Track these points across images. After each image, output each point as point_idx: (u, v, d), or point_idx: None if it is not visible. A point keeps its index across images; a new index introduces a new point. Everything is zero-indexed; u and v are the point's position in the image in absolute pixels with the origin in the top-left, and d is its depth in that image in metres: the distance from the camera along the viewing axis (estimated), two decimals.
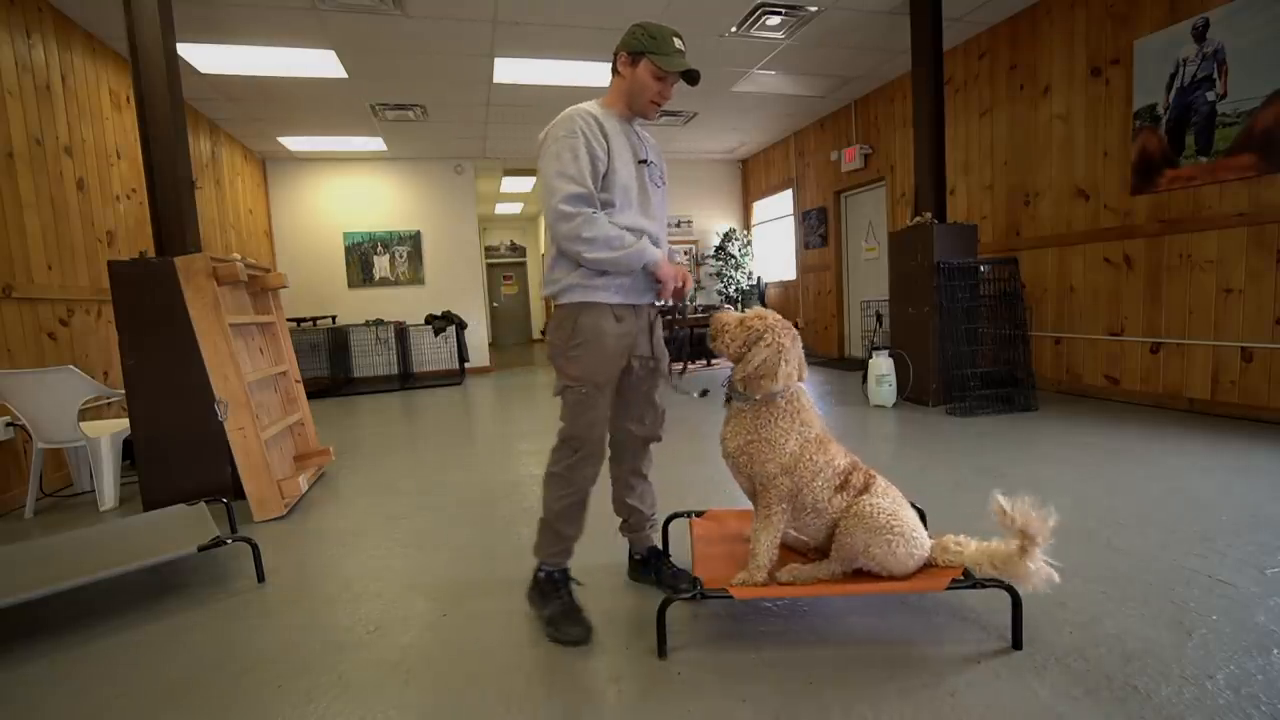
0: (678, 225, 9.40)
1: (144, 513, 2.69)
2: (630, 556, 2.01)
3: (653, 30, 1.66)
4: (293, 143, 7.21)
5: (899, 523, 1.57)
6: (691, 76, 1.67)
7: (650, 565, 1.97)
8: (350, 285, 8.28)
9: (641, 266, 1.65)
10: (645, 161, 1.74)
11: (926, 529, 1.98)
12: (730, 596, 1.59)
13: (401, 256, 8.37)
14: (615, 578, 2.02)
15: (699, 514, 2.15)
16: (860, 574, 1.63)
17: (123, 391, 2.96)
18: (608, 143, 1.65)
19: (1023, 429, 3.70)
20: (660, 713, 1.36)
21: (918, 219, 4.56)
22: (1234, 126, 3.51)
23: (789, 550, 1.82)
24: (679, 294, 1.74)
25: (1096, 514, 2.35)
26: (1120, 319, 4.24)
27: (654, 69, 1.65)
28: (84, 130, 4.09)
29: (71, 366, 2.99)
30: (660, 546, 2.04)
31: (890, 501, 1.61)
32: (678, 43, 1.67)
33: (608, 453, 1.83)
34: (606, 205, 1.65)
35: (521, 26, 4.60)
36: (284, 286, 3.65)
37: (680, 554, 2.13)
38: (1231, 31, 3.49)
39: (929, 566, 1.64)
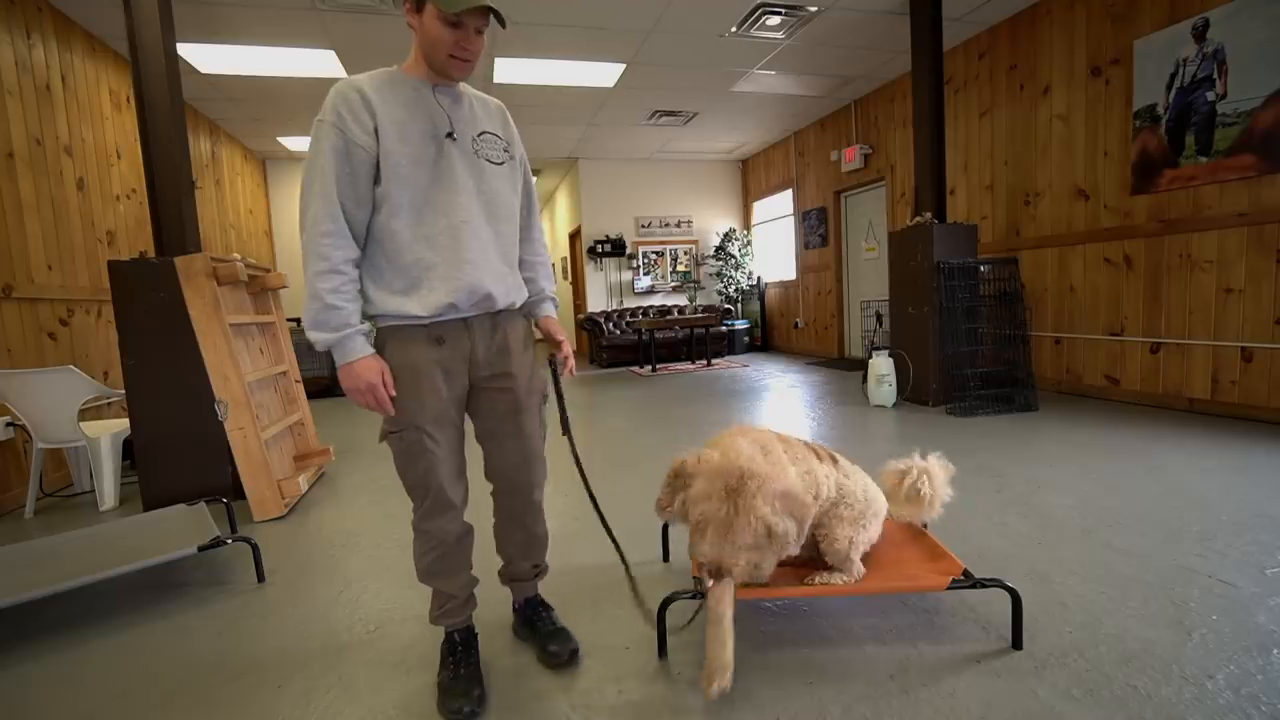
0: (678, 225, 9.40)
1: (144, 513, 2.69)
2: (511, 607, 1.74)
3: None
4: (293, 143, 7.21)
5: (870, 504, 1.64)
6: (489, 14, 1.30)
7: (525, 618, 1.67)
8: None
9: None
10: (451, 135, 1.36)
11: (926, 528, 1.98)
12: None
13: None
14: (612, 574, 2.03)
15: None
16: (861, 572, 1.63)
17: (123, 391, 2.96)
18: (375, 120, 1.29)
19: (1023, 429, 3.70)
20: (661, 713, 1.36)
21: (918, 219, 4.56)
22: (1234, 126, 3.51)
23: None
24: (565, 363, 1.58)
25: (1096, 514, 2.35)
26: (1120, 319, 4.24)
27: (438, 12, 1.27)
28: (84, 130, 4.09)
29: (71, 366, 2.99)
30: (539, 597, 1.72)
31: (854, 484, 1.66)
32: None
33: (460, 497, 1.50)
34: (380, 204, 1.33)
35: (521, 26, 4.60)
36: (284, 287, 3.65)
37: (680, 554, 2.13)
38: (1231, 31, 3.49)
39: (935, 559, 1.64)
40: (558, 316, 1.67)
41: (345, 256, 1.31)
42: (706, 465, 1.42)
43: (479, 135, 1.42)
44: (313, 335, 1.30)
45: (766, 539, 1.34)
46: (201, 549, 2.09)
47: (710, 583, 1.36)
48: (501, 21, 1.31)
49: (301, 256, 1.30)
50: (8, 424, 3.18)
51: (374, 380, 1.32)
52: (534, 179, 1.61)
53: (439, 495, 1.44)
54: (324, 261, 1.27)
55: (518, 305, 1.50)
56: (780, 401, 5.12)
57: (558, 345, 1.60)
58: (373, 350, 1.35)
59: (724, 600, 1.32)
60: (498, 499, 1.61)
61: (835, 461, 1.67)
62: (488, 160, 1.42)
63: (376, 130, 1.30)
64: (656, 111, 6.86)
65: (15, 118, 3.48)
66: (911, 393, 4.63)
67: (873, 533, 1.65)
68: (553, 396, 1.63)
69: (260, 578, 2.17)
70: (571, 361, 1.58)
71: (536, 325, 1.64)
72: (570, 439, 1.67)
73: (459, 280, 1.35)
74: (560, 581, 1.98)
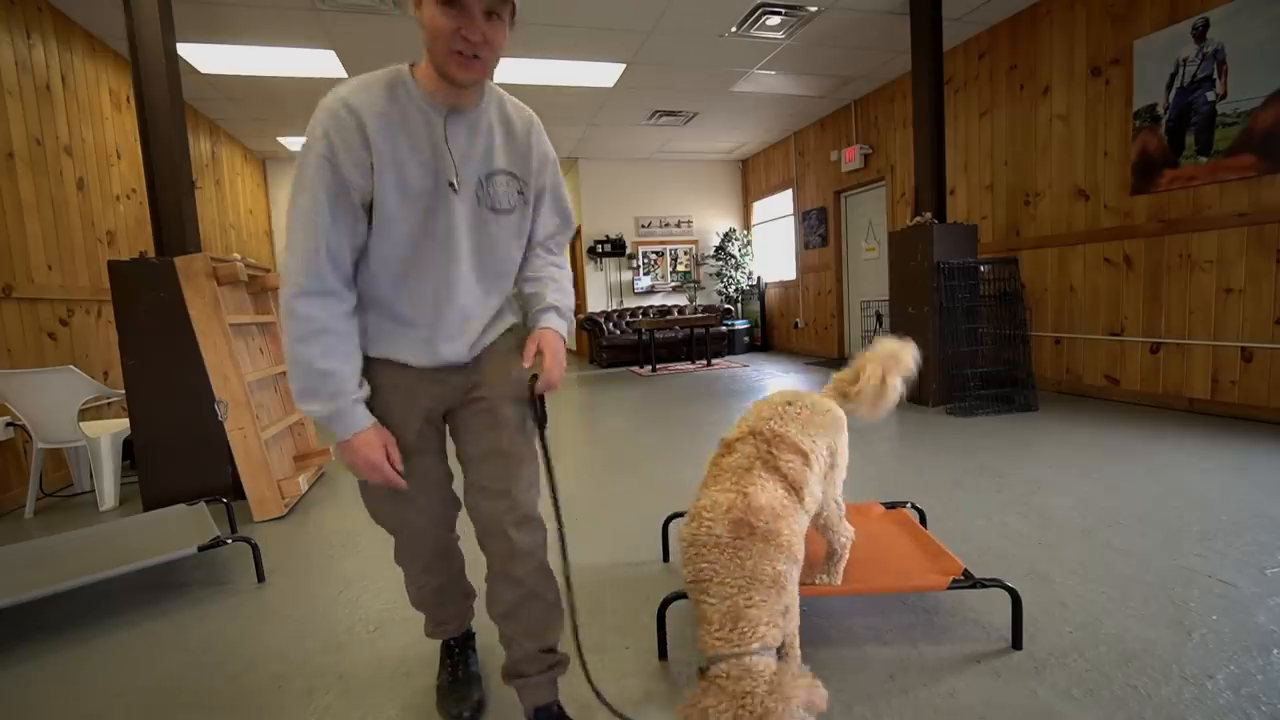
0: (678, 225, 9.40)
1: (144, 513, 2.69)
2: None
3: None
4: (293, 143, 7.21)
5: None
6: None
7: None
8: None
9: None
10: (454, 186, 1.12)
11: (925, 528, 1.99)
12: None
13: None
14: (612, 573, 2.03)
15: None
16: (857, 571, 1.63)
17: (123, 391, 2.96)
18: (371, 156, 1.05)
19: (1023, 429, 3.70)
20: (661, 713, 1.36)
21: (918, 219, 4.56)
22: (1234, 126, 3.51)
23: None
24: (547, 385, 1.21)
25: (1096, 514, 2.35)
26: (1120, 319, 4.24)
27: None
28: (84, 130, 4.09)
29: (71, 366, 2.99)
30: (558, 708, 1.30)
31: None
32: None
33: (439, 544, 1.36)
34: (363, 248, 1.13)
35: (521, 26, 4.59)
36: None
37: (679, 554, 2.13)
38: (1231, 31, 3.49)
39: (935, 559, 1.64)
40: (566, 330, 1.30)
41: (335, 312, 1.10)
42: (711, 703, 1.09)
43: (489, 176, 1.17)
44: (304, 406, 1.10)
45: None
46: (201, 549, 2.09)
47: None
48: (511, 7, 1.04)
49: (278, 312, 1.11)
50: (8, 424, 3.18)
51: (377, 459, 1.13)
52: (568, 203, 1.34)
53: (415, 539, 1.31)
54: (308, 323, 1.07)
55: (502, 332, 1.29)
56: None
57: (541, 363, 1.21)
58: (373, 419, 1.15)
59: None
60: (482, 545, 1.28)
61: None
62: (492, 209, 1.18)
63: (373, 167, 1.06)
64: (656, 111, 6.86)
65: (15, 118, 3.48)
66: (911, 393, 4.63)
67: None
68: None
69: (260, 578, 2.17)
70: (554, 381, 1.22)
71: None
72: (544, 444, 1.28)
73: (435, 351, 1.19)
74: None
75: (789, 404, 1.48)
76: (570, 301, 1.31)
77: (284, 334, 1.09)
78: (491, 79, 1.17)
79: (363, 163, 1.05)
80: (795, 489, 1.31)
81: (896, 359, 1.57)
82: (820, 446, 1.42)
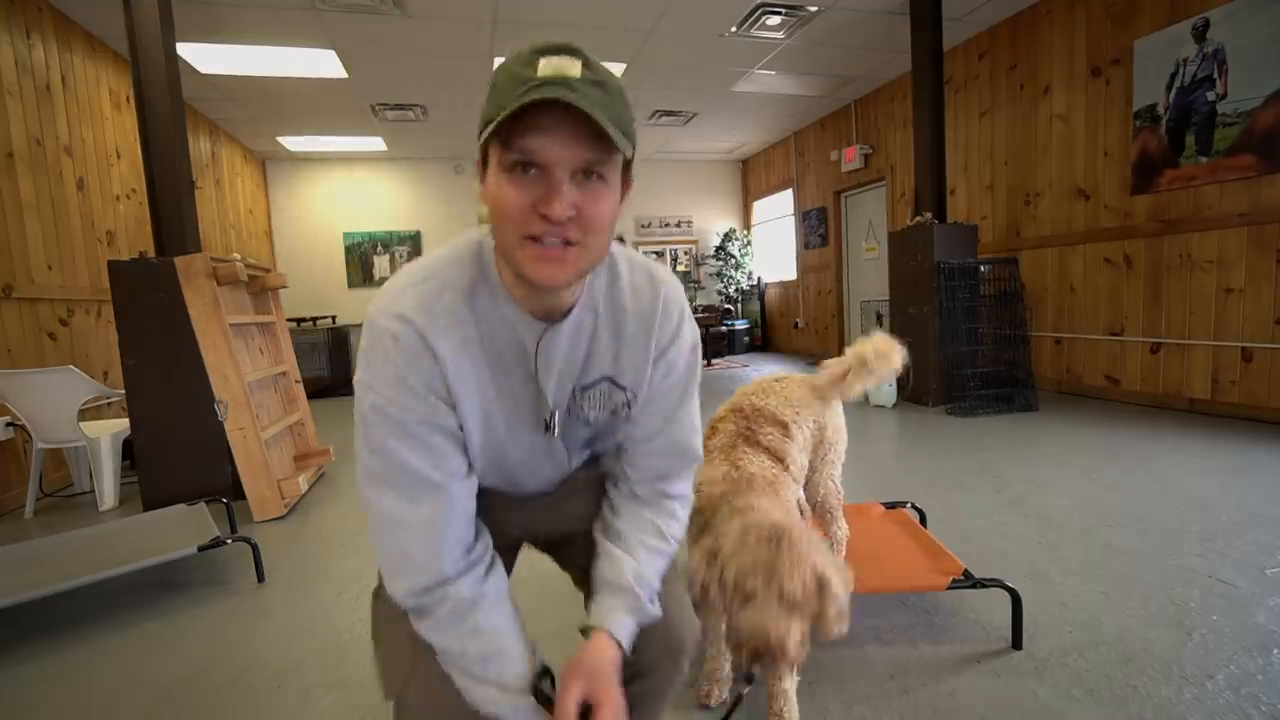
0: (678, 225, 9.40)
1: (144, 513, 2.69)
2: None
3: (498, 77, 0.68)
4: (293, 143, 7.21)
5: None
6: (560, 101, 0.62)
7: None
8: (350, 285, 8.28)
9: None
10: (550, 428, 0.86)
11: (925, 528, 1.99)
12: None
13: (401, 256, 8.38)
14: None
15: None
16: (857, 571, 1.63)
17: (123, 391, 2.96)
18: (452, 397, 0.77)
19: (1023, 429, 3.70)
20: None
21: (918, 219, 4.56)
22: (1234, 126, 3.51)
23: None
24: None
25: (1096, 514, 2.35)
26: (1120, 319, 4.24)
27: (498, 153, 0.67)
28: (84, 130, 4.09)
29: (71, 366, 2.99)
30: None
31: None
32: (545, 64, 0.64)
33: None
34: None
35: (521, 26, 4.60)
36: (284, 286, 3.65)
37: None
38: (1231, 31, 3.49)
39: (935, 559, 1.64)
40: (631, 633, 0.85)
41: (473, 583, 0.79)
42: (731, 525, 1.12)
43: (587, 389, 0.86)
44: (475, 694, 0.77)
45: (815, 594, 1.00)
46: (201, 549, 2.09)
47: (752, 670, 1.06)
48: (617, 142, 0.66)
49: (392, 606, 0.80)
50: (8, 424, 3.18)
51: None
52: (694, 409, 0.99)
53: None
54: (452, 624, 0.77)
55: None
56: None
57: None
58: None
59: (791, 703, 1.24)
60: None
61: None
62: (586, 422, 0.89)
63: (460, 410, 0.79)
64: (656, 111, 6.86)
65: (15, 118, 3.48)
66: (911, 393, 4.63)
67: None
68: None
69: (260, 578, 2.17)
70: None
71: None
72: None
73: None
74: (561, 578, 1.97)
75: (775, 381, 1.58)
76: (652, 584, 0.89)
77: (420, 626, 0.79)
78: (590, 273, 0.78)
79: (440, 408, 0.77)
80: (779, 459, 1.37)
81: (881, 354, 1.61)
82: (804, 418, 1.49)
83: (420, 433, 0.76)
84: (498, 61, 5.22)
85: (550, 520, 1.00)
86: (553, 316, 0.80)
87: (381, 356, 0.74)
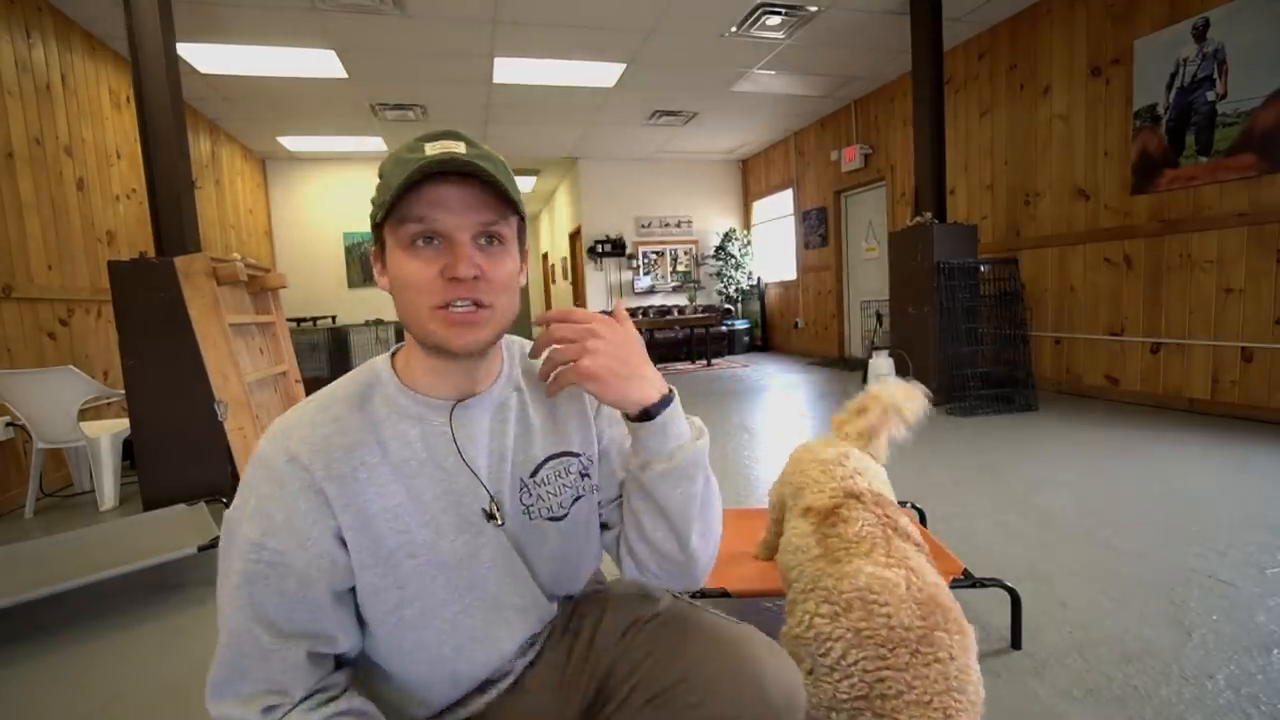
0: (678, 225, 9.40)
1: (144, 513, 2.69)
2: None
3: (386, 166, 0.70)
4: (292, 143, 7.22)
5: None
6: (450, 163, 0.65)
7: None
8: (350, 285, 8.29)
9: None
10: (493, 516, 0.75)
11: (925, 528, 1.99)
12: (729, 595, 1.59)
13: None
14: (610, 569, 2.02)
15: None
16: None
17: (123, 391, 2.96)
18: (336, 519, 0.68)
19: (1023, 429, 3.70)
20: None
21: (918, 219, 4.56)
22: (1234, 126, 3.51)
23: None
24: None
25: (1096, 514, 2.35)
26: (1120, 319, 4.24)
27: (397, 233, 0.68)
28: (84, 130, 4.09)
29: (71, 366, 2.99)
30: None
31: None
32: (431, 147, 0.67)
33: None
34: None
35: (521, 26, 4.60)
36: (284, 286, 3.65)
37: None
38: (1231, 31, 3.49)
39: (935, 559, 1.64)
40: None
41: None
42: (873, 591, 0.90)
43: (536, 474, 0.79)
44: None
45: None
46: (201, 549, 2.09)
47: None
48: (513, 205, 0.70)
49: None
50: (8, 424, 3.18)
51: None
52: (706, 468, 0.78)
53: None
54: None
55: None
56: (780, 401, 5.11)
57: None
58: None
59: None
60: None
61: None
62: (549, 518, 0.80)
63: (340, 535, 0.69)
64: (656, 111, 6.86)
65: (15, 118, 3.48)
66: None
67: None
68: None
69: None
70: None
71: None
72: None
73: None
74: None
75: (845, 457, 1.31)
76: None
77: None
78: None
79: (314, 535, 0.67)
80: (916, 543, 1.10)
81: (900, 409, 1.48)
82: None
83: (270, 578, 0.68)
84: (498, 61, 5.27)
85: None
86: (469, 400, 0.76)
87: (251, 485, 0.69)
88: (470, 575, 0.74)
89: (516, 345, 0.84)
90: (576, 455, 0.82)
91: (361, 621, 0.74)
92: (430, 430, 0.73)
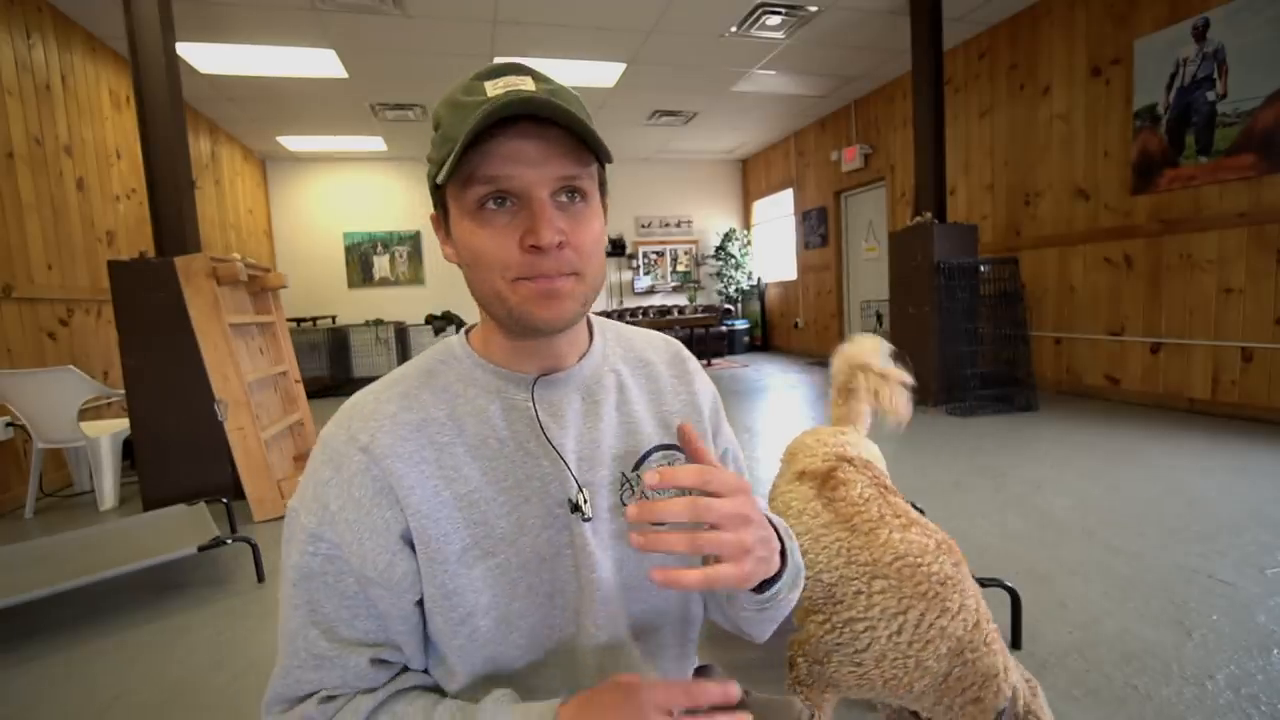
0: (678, 225, 9.40)
1: (144, 513, 2.69)
2: None
3: (442, 112, 0.59)
4: (293, 143, 7.21)
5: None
6: (522, 105, 0.53)
7: None
8: (350, 285, 8.29)
9: None
10: (578, 508, 0.62)
11: None
12: None
13: (401, 256, 8.38)
14: None
15: None
16: None
17: (123, 391, 2.96)
18: (404, 513, 0.58)
19: (1023, 429, 3.70)
20: None
21: (918, 219, 4.56)
22: (1234, 126, 3.51)
23: None
24: None
25: (1096, 514, 2.35)
26: (1120, 319, 4.24)
27: (461, 196, 0.57)
28: (84, 130, 4.09)
29: (71, 366, 2.99)
30: None
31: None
32: (493, 86, 0.56)
33: None
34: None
35: (521, 26, 4.60)
36: (284, 286, 3.65)
37: None
38: (1231, 31, 3.49)
39: None
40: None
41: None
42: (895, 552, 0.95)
43: (642, 463, 0.68)
44: None
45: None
46: (201, 549, 2.09)
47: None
48: (599, 153, 0.59)
49: None
50: (8, 424, 3.18)
51: None
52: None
53: None
54: None
55: None
56: (780, 401, 5.12)
57: None
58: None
59: None
60: None
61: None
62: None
63: (406, 528, 0.59)
64: (656, 111, 6.86)
65: (15, 118, 3.48)
66: (912, 393, 4.63)
67: None
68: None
69: (260, 578, 2.17)
70: None
71: None
72: None
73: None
74: None
75: (840, 432, 1.36)
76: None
77: None
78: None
79: (378, 542, 0.58)
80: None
81: (867, 365, 1.50)
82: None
83: (334, 579, 0.60)
84: (499, 61, 5.21)
85: None
86: (555, 375, 0.66)
87: (309, 491, 0.60)
88: (553, 580, 0.63)
89: (610, 326, 0.75)
90: (679, 449, 0.69)
91: (426, 637, 0.63)
92: (512, 406, 0.63)
